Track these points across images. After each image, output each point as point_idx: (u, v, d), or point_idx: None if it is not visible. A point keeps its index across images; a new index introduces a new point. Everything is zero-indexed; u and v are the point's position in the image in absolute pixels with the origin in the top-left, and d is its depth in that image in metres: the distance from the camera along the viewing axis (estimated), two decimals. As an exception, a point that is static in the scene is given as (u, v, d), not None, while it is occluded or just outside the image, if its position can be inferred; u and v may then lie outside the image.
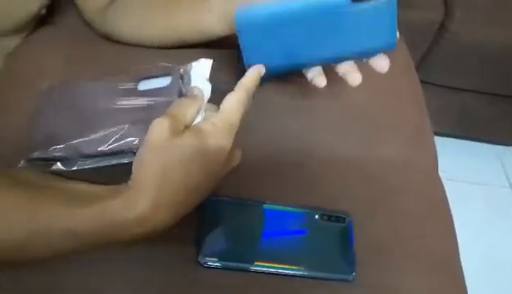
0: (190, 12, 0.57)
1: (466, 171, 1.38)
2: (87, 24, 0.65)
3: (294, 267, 0.47)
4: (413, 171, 0.60)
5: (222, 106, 0.42)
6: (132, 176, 0.38)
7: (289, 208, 0.51)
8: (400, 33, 0.47)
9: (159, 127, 0.38)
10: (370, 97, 0.65)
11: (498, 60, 1.07)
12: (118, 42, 0.63)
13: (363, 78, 0.49)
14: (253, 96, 0.45)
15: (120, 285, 0.45)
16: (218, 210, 0.49)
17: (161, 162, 0.37)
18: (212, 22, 0.56)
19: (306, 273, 0.47)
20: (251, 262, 0.46)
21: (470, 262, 1.16)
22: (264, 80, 0.46)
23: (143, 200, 0.36)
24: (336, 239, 0.50)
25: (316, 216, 0.51)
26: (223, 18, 0.54)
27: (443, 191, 0.61)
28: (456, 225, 1.24)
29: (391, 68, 0.71)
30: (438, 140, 1.33)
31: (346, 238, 0.50)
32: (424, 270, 0.51)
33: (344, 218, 0.51)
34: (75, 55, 0.62)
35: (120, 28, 0.62)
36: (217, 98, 0.44)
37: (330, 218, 0.51)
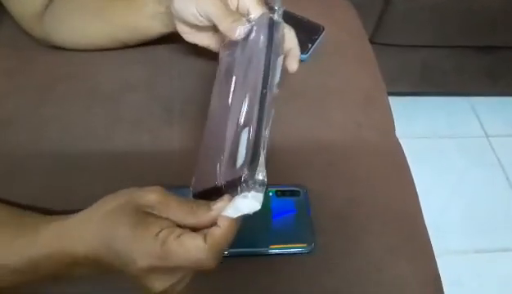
0: (124, 14, 0.57)
1: (441, 126, 1.39)
2: (27, 33, 0.64)
3: (255, 248, 0.47)
4: (365, 133, 0.60)
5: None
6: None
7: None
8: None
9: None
10: (318, 65, 0.64)
11: (449, 12, 1.07)
12: (60, 47, 0.62)
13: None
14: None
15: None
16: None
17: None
18: (147, 22, 0.56)
19: (266, 251, 0.47)
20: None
21: (450, 214, 1.19)
22: None
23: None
24: (293, 214, 0.50)
25: (271, 194, 0.51)
26: (158, 18, 0.54)
27: (400, 150, 0.61)
28: (435, 181, 1.26)
29: (339, 35, 0.72)
30: (407, 99, 1.36)
31: (303, 211, 0.50)
32: (384, 230, 0.52)
33: (299, 191, 0.51)
34: (14, 66, 0.61)
35: (59, 34, 0.61)
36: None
37: (284, 193, 0.51)
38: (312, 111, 0.61)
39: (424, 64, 1.23)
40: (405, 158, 0.61)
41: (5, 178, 0.51)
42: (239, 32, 0.45)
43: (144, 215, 0.34)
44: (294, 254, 0.48)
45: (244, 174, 0.33)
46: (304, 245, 0.48)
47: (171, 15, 0.51)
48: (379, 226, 0.52)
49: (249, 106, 0.38)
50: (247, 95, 0.39)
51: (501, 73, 1.31)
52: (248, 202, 0.34)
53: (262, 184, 0.34)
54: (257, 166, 0.34)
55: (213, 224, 0.34)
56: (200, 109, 0.56)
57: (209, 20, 0.47)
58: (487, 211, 1.22)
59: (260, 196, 0.34)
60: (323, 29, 0.67)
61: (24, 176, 0.52)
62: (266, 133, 0.36)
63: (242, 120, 0.38)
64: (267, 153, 0.36)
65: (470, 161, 1.32)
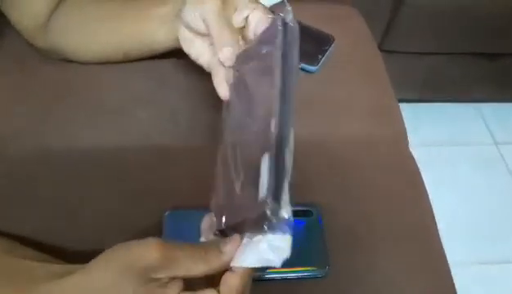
0: (133, 26, 0.55)
1: (448, 133, 1.37)
2: (30, 45, 0.62)
3: (266, 272, 0.45)
4: (377, 145, 0.58)
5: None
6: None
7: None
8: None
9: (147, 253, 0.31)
10: (327, 77, 0.63)
11: (461, 19, 1.06)
12: (64, 60, 0.60)
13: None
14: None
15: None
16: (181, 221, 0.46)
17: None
18: (153, 33, 0.54)
19: (278, 276, 0.45)
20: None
21: (456, 224, 1.17)
22: None
23: None
24: (306, 235, 0.48)
25: (282, 214, 0.49)
26: (164, 28, 0.52)
27: (413, 163, 0.59)
28: (441, 190, 1.25)
29: (348, 44, 0.70)
30: (414, 106, 1.34)
31: (316, 232, 0.48)
32: (400, 247, 0.50)
33: (312, 211, 0.49)
34: (18, 80, 0.59)
35: (63, 46, 0.59)
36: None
37: (296, 214, 0.49)
38: (322, 124, 0.59)
39: (432, 70, 1.22)
40: (419, 171, 0.59)
41: (10, 193, 0.50)
42: (228, 57, 0.41)
43: (154, 282, 0.31)
44: (309, 278, 0.46)
45: (267, 209, 0.29)
46: (318, 268, 0.46)
47: (178, 24, 0.50)
48: (394, 245, 0.50)
49: (264, 128, 0.33)
50: (262, 114, 0.34)
51: (510, 80, 1.29)
52: (274, 248, 0.30)
53: (288, 223, 0.30)
54: (280, 200, 0.30)
55: (227, 267, 0.32)
56: (207, 123, 0.55)
57: (208, 29, 0.45)
58: (495, 221, 1.20)
59: (288, 239, 0.30)
60: (333, 39, 0.65)
61: (29, 192, 0.50)
62: (288, 158, 0.32)
63: (260, 145, 0.33)
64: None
65: (478, 169, 1.30)
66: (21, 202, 0.49)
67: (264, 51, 0.38)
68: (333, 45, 0.65)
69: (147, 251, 0.31)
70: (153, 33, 0.54)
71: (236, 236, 0.32)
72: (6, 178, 0.51)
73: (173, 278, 0.32)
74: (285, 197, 0.30)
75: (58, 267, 0.35)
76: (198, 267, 0.32)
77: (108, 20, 0.57)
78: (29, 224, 0.47)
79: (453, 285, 0.50)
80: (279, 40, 0.37)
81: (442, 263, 0.52)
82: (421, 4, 1.03)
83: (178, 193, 0.50)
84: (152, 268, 0.31)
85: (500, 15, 1.07)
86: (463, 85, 1.30)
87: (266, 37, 0.41)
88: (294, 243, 0.47)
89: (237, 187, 0.33)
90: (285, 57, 0.36)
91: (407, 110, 1.05)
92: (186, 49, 0.51)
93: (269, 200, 0.29)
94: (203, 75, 0.48)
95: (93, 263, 0.32)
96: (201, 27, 0.46)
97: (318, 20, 0.70)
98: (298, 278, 0.46)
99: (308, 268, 0.46)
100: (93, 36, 0.58)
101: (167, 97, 0.59)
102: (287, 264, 0.45)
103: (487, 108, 1.43)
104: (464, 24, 1.08)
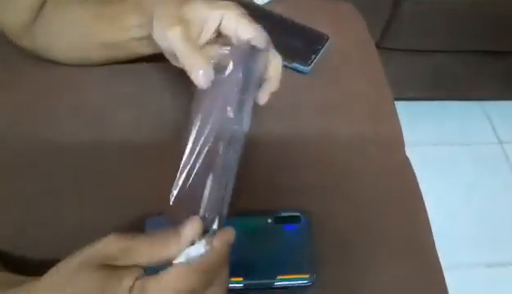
0: (109, 32, 0.54)
1: (452, 132, 1.34)
2: (14, 44, 0.61)
3: (250, 280, 0.44)
4: (372, 148, 0.56)
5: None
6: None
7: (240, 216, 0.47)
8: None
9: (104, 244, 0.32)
10: (321, 77, 0.61)
11: (461, 16, 1.03)
12: (50, 60, 0.59)
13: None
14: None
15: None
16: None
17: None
18: (132, 43, 0.53)
19: (263, 284, 0.44)
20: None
21: (463, 223, 1.15)
22: None
23: None
24: (294, 242, 0.46)
25: (269, 220, 0.47)
26: (143, 41, 0.51)
27: (409, 168, 0.57)
28: (446, 189, 1.22)
29: (344, 43, 0.68)
30: (417, 105, 1.31)
31: (304, 239, 0.47)
32: (392, 258, 0.48)
33: (300, 217, 0.48)
34: (1, 79, 0.58)
35: (47, 49, 0.58)
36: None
37: (284, 219, 0.48)
38: (315, 126, 0.58)
39: (435, 68, 1.20)
40: (415, 176, 0.57)
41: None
42: (202, 81, 0.40)
43: (111, 268, 0.30)
44: (294, 287, 0.44)
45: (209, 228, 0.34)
46: (305, 276, 0.44)
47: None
48: (387, 254, 0.48)
49: (211, 149, 0.36)
50: (209, 134, 0.37)
51: (515, 78, 1.27)
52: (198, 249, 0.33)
53: (214, 233, 0.34)
54: (220, 222, 0.34)
55: None
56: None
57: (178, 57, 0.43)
58: (499, 222, 1.17)
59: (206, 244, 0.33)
60: (327, 38, 0.63)
61: (7, 193, 0.49)
62: (230, 184, 0.36)
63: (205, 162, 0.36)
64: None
65: (483, 168, 1.28)
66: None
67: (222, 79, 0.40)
68: (327, 44, 0.63)
69: (104, 244, 0.31)
70: (130, 45, 0.53)
71: (194, 217, 0.33)
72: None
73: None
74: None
75: (14, 279, 0.35)
76: (159, 253, 0.32)
77: (86, 27, 0.55)
78: (7, 228, 0.46)
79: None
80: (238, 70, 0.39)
81: (437, 272, 0.50)
82: (422, 0, 1.00)
83: (160, 198, 0.48)
84: (110, 258, 0.31)
85: (504, 13, 1.05)
86: (466, 83, 1.28)
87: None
88: (281, 250, 0.46)
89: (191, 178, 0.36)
90: (244, 85, 0.38)
91: (409, 108, 1.04)
92: (173, 63, 0.49)
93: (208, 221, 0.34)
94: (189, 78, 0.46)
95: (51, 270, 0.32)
96: (172, 51, 0.44)
97: (313, 16, 0.68)
98: (284, 287, 0.44)
99: (294, 276, 0.44)
100: (73, 43, 0.57)
101: (151, 98, 0.57)
102: (272, 271, 0.44)
103: (492, 106, 1.40)
104: (467, 21, 1.06)
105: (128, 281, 0.30)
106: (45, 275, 0.32)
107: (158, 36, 0.45)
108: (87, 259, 0.31)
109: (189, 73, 0.41)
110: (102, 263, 0.31)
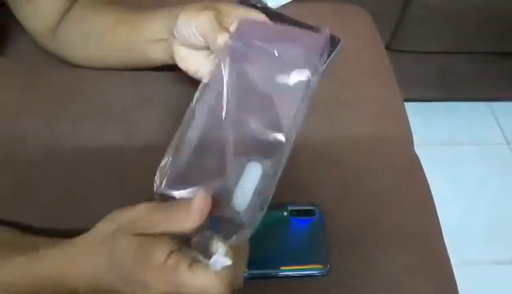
0: (127, 41, 0.56)
1: (460, 132, 1.36)
2: (41, 48, 0.64)
3: (268, 269, 0.46)
4: (382, 147, 0.59)
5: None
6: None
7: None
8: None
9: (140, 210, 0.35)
10: (332, 78, 0.63)
11: (469, 18, 1.05)
12: (75, 65, 0.62)
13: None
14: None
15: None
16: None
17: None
18: (149, 49, 0.55)
19: (280, 273, 0.46)
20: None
21: (469, 224, 1.16)
22: None
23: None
24: (308, 234, 0.49)
25: (285, 213, 0.50)
26: (159, 45, 0.53)
27: (418, 165, 0.60)
28: (454, 189, 1.23)
29: (354, 45, 0.70)
30: (426, 105, 1.33)
31: (318, 231, 0.49)
32: (401, 250, 0.50)
33: (314, 210, 0.50)
34: (28, 82, 0.61)
35: (70, 53, 0.61)
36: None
37: (299, 213, 0.50)
38: (326, 125, 0.60)
39: (443, 70, 1.21)
40: (423, 172, 0.59)
41: (16, 194, 0.51)
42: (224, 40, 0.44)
43: (143, 240, 0.33)
44: (309, 276, 0.47)
45: (243, 222, 0.32)
46: (320, 266, 0.47)
47: (171, 43, 0.51)
48: (396, 246, 0.51)
49: (263, 138, 0.36)
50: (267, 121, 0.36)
51: (523, 79, 1.28)
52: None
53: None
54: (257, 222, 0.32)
55: None
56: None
57: (205, 38, 0.47)
58: (507, 221, 1.19)
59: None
60: (339, 41, 0.65)
61: (35, 193, 0.51)
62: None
63: (251, 150, 0.35)
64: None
65: (490, 168, 1.29)
66: (26, 202, 0.50)
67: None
68: (338, 47, 0.65)
69: (137, 213, 0.35)
70: (146, 49, 0.55)
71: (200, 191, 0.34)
72: (13, 178, 0.52)
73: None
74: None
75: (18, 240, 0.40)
76: (185, 225, 0.33)
77: (106, 35, 0.58)
78: (34, 223, 0.48)
79: (456, 288, 0.50)
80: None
81: (446, 265, 0.52)
82: (431, 2, 1.02)
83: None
84: (137, 220, 0.34)
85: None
86: (474, 84, 1.29)
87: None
88: (296, 242, 0.48)
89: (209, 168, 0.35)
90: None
91: (418, 109, 1.05)
92: (182, 66, 0.52)
93: (244, 217, 0.33)
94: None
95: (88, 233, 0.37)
96: (197, 40, 0.48)
97: (324, 19, 0.70)
98: (300, 276, 0.47)
99: (310, 266, 0.47)
100: (93, 47, 0.59)
101: (173, 99, 0.60)
102: (289, 261, 0.47)
103: (499, 107, 1.41)
104: (475, 22, 1.07)
105: (160, 255, 0.32)
106: (78, 238, 0.36)
107: (182, 24, 0.48)
108: (123, 225, 0.34)
109: (215, 50, 0.45)
110: (135, 232, 0.34)
